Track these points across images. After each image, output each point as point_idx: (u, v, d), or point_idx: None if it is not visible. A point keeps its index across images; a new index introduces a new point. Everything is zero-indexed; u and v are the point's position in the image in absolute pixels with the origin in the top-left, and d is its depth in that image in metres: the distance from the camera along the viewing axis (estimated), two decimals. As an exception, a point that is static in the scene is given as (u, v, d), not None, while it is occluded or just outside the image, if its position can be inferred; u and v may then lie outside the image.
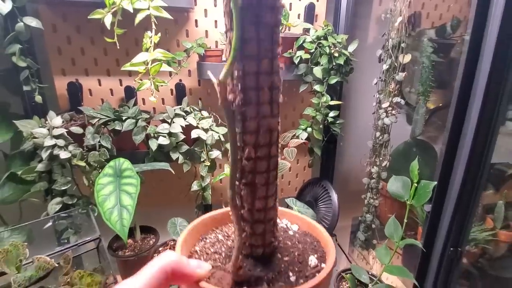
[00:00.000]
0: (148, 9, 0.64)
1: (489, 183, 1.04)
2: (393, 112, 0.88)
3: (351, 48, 0.91)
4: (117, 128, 0.82)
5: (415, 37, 0.99)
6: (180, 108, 0.92)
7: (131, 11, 0.62)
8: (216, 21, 0.98)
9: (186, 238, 0.35)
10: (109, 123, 0.83)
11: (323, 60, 0.88)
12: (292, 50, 0.91)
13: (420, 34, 0.99)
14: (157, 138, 0.85)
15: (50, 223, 0.87)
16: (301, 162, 1.23)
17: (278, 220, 0.37)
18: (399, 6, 0.86)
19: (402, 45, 0.83)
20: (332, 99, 0.94)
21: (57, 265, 0.67)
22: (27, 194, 0.85)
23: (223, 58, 0.91)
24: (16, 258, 0.70)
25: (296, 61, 0.90)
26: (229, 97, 0.30)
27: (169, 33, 0.96)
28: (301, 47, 0.90)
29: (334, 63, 0.89)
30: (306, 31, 0.93)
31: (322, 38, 0.89)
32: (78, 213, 0.88)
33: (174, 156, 0.88)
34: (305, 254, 0.35)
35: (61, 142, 0.79)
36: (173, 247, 0.98)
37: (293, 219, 0.42)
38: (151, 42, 0.64)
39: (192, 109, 0.94)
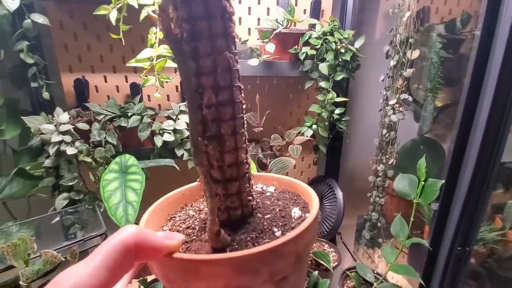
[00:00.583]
0: (153, 4, 0.64)
1: (499, 182, 1.02)
2: (400, 109, 0.87)
3: (358, 44, 0.90)
4: (123, 124, 0.82)
5: (424, 32, 0.97)
6: (185, 104, 0.92)
7: (136, 6, 0.62)
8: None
9: (150, 219, 0.31)
10: (114, 119, 0.83)
11: (329, 56, 0.87)
12: (298, 46, 0.90)
13: (429, 29, 0.97)
14: (162, 135, 0.85)
15: (57, 218, 0.88)
16: (306, 160, 1.22)
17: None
18: (407, 1, 0.84)
19: (410, 40, 0.81)
20: (338, 96, 0.93)
21: (64, 259, 0.68)
22: (35, 189, 0.86)
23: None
24: (24, 252, 0.71)
25: (302, 58, 0.89)
26: (175, 30, 0.24)
27: (175, 29, 0.96)
28: (306, 43, 0.89)
29: (340, 59, 0.88)
30: (312, 26, 0.92)
31: (328, 33, 0.88)
32: (84, 209, 0.90)
33: (179, 152, 0.88)
34: (287, 208, 0.32)
35: (67, 138, 0.80)
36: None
37: (268, 181, 0.38)
38: (156, 38, 0.64)
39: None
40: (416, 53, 0.82)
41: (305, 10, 1.00)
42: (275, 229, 0.28)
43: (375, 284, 0.79)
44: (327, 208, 1.06)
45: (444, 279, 0.70)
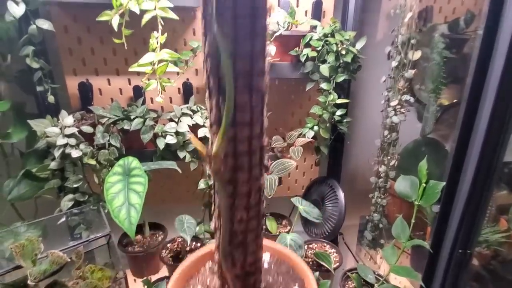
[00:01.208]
0: (155, 9, 0.65)
1: (503, 183, 1.01)
2: (402, 110, 0.87)
3: (359, 45, 0.90)
4: (126, 127, 0.84)
5: (427, 32, 0.96)
6: (187, 107, 0.93)
7: (138, 12, 0.63)
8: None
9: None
10: (118, 122, 0.85)
11: (330, 58, 0.87)
12: (299, 48, 0.90)
13: (432, 29, 0.96)
14: (164, 137, 0.87)
15: (63, 219, 0.90)
16: (308, 161, 1.22)
17: None
18: (409, 1, 0.83)
19: (412, 41, 0.81)
20: (339, 97, 0.93)
21: (69, 260, 0.70)
22: (41, 191, 0.88)
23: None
24: (31, 252, 0.73)
25: (303, 59, 0.89)
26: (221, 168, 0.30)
27: (176, 32, 0.97)
28: (307, 45, 0.89)
29: (341, 61, 0.88)
30: (313, 28, 0.92)
31: (329, 35, 0.88)
32: (89, 210, 0.91)
33: (181, 154, 0.89)
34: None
35: (72, 141, 0.82)
36: (180, 244, 1.00)
37: (264, 248, 0.43)
38: (157, 42, 0.65)
39: (199, 108, 0.95)
40: (417, 54, 0.81)
41: (306, 12, 1.00)
42: None
43: (376, 285, 0.79)
44: (328, 209, 1.07)
45: (445, 282, 0.70)
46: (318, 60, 0.89)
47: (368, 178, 1.04)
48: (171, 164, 0.80)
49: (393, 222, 1.12)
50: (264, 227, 0.96)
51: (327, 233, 1.04)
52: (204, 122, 0.90)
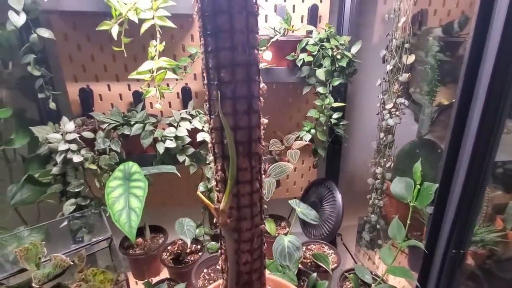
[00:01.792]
0: (153, 18, 0.66)
1: (499, 183, 1.02)
2: (397, 113, 0.88)
3: (354, 49, 0.91)
4: (126, 132, 0.85)
5: (421, 36, 0.97)
6: (186, 111, 0.94)
7: (137, 22, 0.64)
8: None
9: None
10: (118, 127, 0.86)
11: (326, 63, 0.89)
12: (295, 53, 0.92)
13: (426, 32, 0.97)
14: (164, 142, 0.88)
15: (65, 223, 0.92)
16: (306, 163, 1.23)
17: None
18: (403, 5, 0.85)
19: (406, 45, 0.82)
20: (336, 100, 0.95)
21: (72, 263, 0.71)
22: (44, 195, 0.89)
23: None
24: (35, 256, 0.75)
25: (299, 64, 0.91)
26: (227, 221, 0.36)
27: (175, 38, 0.98)
28: (304, 50, 0.91)
29: (337, 65, 0.89)
30: (309, 33, 0.93)
31: (324, 40, 0.89)
32: (91, 213, 0.93)
33: (180, 158, 0.91)
34: None
35: (74, 147, 0.83)
36: (181, 246, 1.02)
37: (267, 281, 0.46)
38: (156, 50, 0.66)
39: (197, 113, 0.96)
40: (411, 58, 0.83)
41: (302, 17, 1.02)
42: None
43: (372, 285, 0.81)
44: (327, 211, 1.08)
45: (440, 281, 0.71)
46: (314, 65, 0.91)
47: (366, 179, 1.05)
48: (170, 169, 0.82)
49: (390, 223, 1.13)
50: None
51: (325, 235, 1.06)
52: (203, 127, 0.92)
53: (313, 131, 0.97)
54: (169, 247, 1.02)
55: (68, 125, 0.86)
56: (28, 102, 0.94)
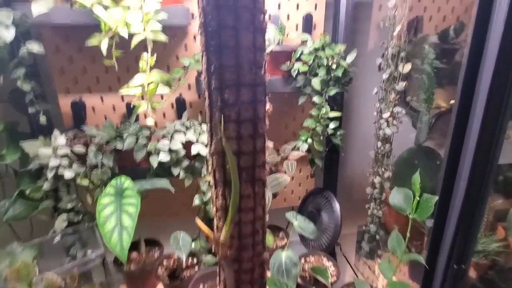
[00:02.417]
0: (144, 30, 0.65)
1: (500, 189, 1.01)
2: (394, 122, 0.87)
3: (350, 58, 0.90)
4: (119, 146, 0.83)
5: (417, 43, 0.96)
6: (180, 123, 0.93)
7: (126, 36, 0.63)
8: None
9: None
10: (110, 141, 0.85)
11: (321, 72, 0.87)
12: (290, 62, 0.91)
13: (422, 40, 0.96)
14: (158, 155, 0.86)
15: (58, 238, 0.90)
16: (304, 171, 1.22)
17: None
18: (399, 13, 0.84)
19: (402, 54, 0.81)
20: (332, 109, 0.93)
21: (63, 284, 0.69)
22: (36, 211, 0.87)
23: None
24: (27, 276, 0.73)
25: (294, 74, 0.89)
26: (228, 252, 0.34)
27: (168, 48, 0.97)
28: (298, 59, 0.89)
29: (332, 75, 0.88)
30: (304, 42, 0.92)
31: (319, 49, 0.88)
32: (84, 229, 0.91)
33: (175, 171, 0.89)
34: None
35: (65, 162, 0.82)
36: (177, 260, 0.99)
37: None
38: (147, 64, 0.65)
39: (192, 124, 0.95)
40: (408, 67, 0.82)
41: (297, 25, 1.01)
42: None
43: (373, 300, 0.79)
44: (325, 221, 1.06)
45: (442, 297, 0.70)
46: (309, 74, 0.90)
47: (364, 187, 1.04)
48: (164, 184, 0.80)
49: (389, 233, 1.11)
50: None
51: (325, 246, 1.04)
52: (197, 138, 0.90)
53: (309, 141, 0.95)
54: (164, 262, 1.00)
55: (60, 139, 0.84)
56: (19, 115, 0.93)
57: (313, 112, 0.92)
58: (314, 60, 0.88)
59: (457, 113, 0.64)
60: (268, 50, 0.85)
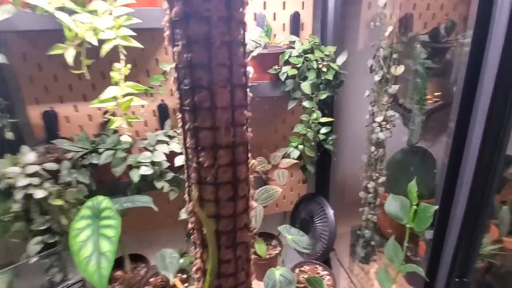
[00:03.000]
0: (115, 38, 0.58)
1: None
2: (388, 126, 0.84)
3: (340, 60, 0.86)
4: (94, 161, 0.77)
5: (408, 43, 0.93)
6: (163, 133, 0.87)
7: (96, 43, 0.56)
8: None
9: None
10: (85, 156, 0.78)
11: (311, 75, 0.83)
12: (278, 66, 0.86)
13: (413, 39, 0.93)
14: (139, 168, 0.80)
15: (33, 261, 0.83)
16: (295, 176, 1.18)
17: None
18: (389, 12, 0.80)
19: (394, 55, 0.78)
20: (323, 112, 0.89)
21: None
22: (7, 234, 0.80)
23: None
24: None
25: (283, 78, 0.84)
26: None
27: (146, 51, 0.90)
28: (287, 62, 0.85)
29: (322, 78, 0.84)
30: (292, 43, 0.87)
31: (308, 51, 0.84)
32: (61, 250, 0.84)
33: (158, 185, 0.83)
34: None
35: (35, 181, 0.74)
36: (165, 277, 0.94)
37: None
38: (120, 74, 0.59)
39: (176, 133, 0.89)
40: (400, 69, 0.78)
41: (284, 25, 0.96)
42: None
43: (371, 313, 0.76)
44: (318, 228, 1.03)
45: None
46: (299, 78, 0.85)
47: (356, 189, 1.01)
48: (146, 202, 0.74)
49: (384, 236, 1.09)
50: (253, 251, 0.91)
51: (319, 254, 1.00)
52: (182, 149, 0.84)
53: (300, 147, 0.91)
54: (151, 280, 0.94)
55: (29, 155, 0.76)
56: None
57: (304, 117, 0.88)
58: (303, 62, 0.83)
59: (457, 117, 0.61)
60: (254, 53, 0.79)
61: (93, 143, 0.81)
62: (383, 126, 0.84)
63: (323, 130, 0.89)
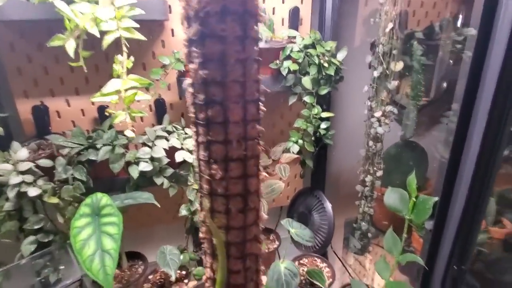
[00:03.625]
0: (118, 29, 0.56)
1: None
2: (386, 121, 0.85)
3: (340, 56, 0.86)
4: (92, 157, 0.74)
5: (404, 39, 0.95)
6: (161, 128, 0.85)
7: (97, 35, 0.54)
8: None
9: None
10: (82, 152, 0.75)
11: (312, 70, 0.83)
12: (279, 60, 0.85)
13: (409, 36, 0.95)
14: (138, 164, 0.78)
15: (26, 262, 0.80)
16: (292, 170, 1.18)
17: None
18: (386, 9, 0.81)
19: (394, 52, 0.79)
20: (321, 107, 0.90)
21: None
22: (-1, 234, 0.76)
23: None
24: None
25: (284, 73, 0.84)
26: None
27: (143, 44, 0.87)
28: (288, 57, 0.84)
29: (323, 73, 0.84)
30: (292, 38, 0.87)
31: (309, 46, 0.84)
32: (56, 249, 0.81)
33: (158, 181, 0.82)
34: None
35: (28, 178, 0.71)
36: (164, 274, 0.93)
37: None
38: (123, 67, 0.56)
39: (174, 128, 0.87)
40: (400, 65, 0.80)
41: (283, 20, 0.95)
42: None
43: (371, 302, 0.78)
44: (317, 222, 1.04)
45: (440, 297, 0.70)
46: (300, 72, 0.85)
47: (353, 181, 1.02)
48: (147, 198, 0.72)
49: (379, 228, 1.11)
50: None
51: (318, 247, 1.02)
52: (182, 144, 0.83)
53: (300, 141, 0.92)
54: (150, 277, 0.93)
55: (20, 152, 0.73)
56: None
57: (304, 112, 0.88)
58: (304, 57, 0.83)
59: (460, 111, 0.62)
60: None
61: (89, 138, 0.78)
62: (381, 121, 0.86)
63: (323, 125, 0.90)
